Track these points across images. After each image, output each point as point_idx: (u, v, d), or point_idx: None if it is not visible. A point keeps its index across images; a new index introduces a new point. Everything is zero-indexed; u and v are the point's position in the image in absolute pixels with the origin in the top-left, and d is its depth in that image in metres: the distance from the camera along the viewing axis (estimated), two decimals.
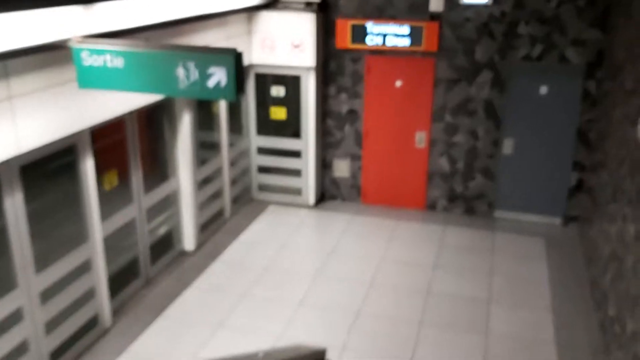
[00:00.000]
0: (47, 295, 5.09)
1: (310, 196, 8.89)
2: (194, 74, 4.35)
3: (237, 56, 4.24)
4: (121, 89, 4.63)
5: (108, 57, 4.51)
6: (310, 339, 5.77)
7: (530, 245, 7.86)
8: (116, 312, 6.10)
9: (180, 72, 4.37)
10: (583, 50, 7.63)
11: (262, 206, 8.90)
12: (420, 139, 8.57)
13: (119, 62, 4.52)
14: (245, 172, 8.88)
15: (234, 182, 8.49)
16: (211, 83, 4.33)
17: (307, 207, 8.90)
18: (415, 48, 8.10)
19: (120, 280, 6.25)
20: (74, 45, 4.57)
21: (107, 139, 5.92)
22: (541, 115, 8.09)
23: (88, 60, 4.57)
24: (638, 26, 5.63)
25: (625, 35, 6.11)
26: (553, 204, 8.40)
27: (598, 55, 7.58)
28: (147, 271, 6.72)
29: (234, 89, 4.30)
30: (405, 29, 8.03)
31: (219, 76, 4.29)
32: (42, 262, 5.00)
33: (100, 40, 4.61)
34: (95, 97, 5.15)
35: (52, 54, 4.62)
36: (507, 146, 8.34)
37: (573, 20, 7.56)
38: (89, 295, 5.62)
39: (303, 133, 8.60)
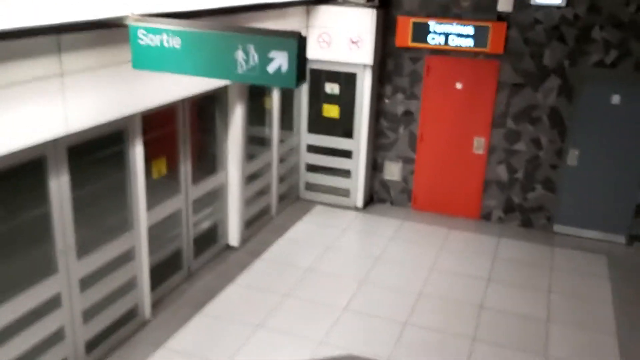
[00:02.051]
0: (87, 282, 4.91)
1: (359, 198, 8.56)
2: (254, 58, 4.09)
3: (301, 40, 3.96)
4: (176, 71, 4.41)
5: (165, 36, 4.30)
6: (355, 348, 5.45)
7: (592, 263, 7.34)
8: (156, 305, 5.91)
9: (240, 55, 4.12)
10: None
11: (308, 206, 8.62)
12: (479, 144, 8.14)
13: (175, 43, 4.30)
14: (294, 170, 8.63)
15: (281, 179, 8.24)
16: (271, 68, 4.06)
17: (355, 209, 8.58)
18: (479, 49, 7.69)
19: (162, 272, 6.06)
20: (131, 22, 4.38)
21: (158, 126, 5.75)
22: (611, 126, 7.56)
23: (144, 39, 4.37)
24: None
25: None
26: (617, 221, 7.84)
27: None
28: (189, 264, 6.52)
29: (295, 76, 4.02)
30: (469, 29, 7.63)
31: (280, 61, 4.02)
32: (84, 248, 4.83)
33: (158, 19, 4.41)
34: (149, 80, 4.96)
35: (106, 32, 4.45)
36: (572, 157, 7.83)
37: None
38: (130, 285, 5.44)
39: (355, 133, 8.29)
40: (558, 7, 7.34)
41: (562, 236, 8.04)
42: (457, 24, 7.65)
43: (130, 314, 5.50)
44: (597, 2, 7.16)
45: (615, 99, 7.46)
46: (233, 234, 7.24)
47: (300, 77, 4.08)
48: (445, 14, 7.79)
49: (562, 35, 7.43)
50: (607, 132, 7.59)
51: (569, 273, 7.06)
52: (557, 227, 8.14)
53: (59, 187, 4.45)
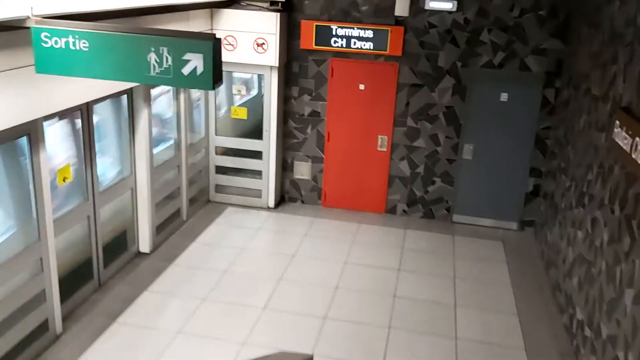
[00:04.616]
0: None
1: (270, 198, 8.66)
2: (167, 60, 4.08)
3: (216, 42, 4.00)
4: (84, 75, 4.29)
5: (71, 39, 4.16)
6: (277, 346, 5.54)
7: (490, 249, 7.92)
8: (67, 318, 5.66)
9: (152, 57, 4.09)
10: (543, 59, 7.79)
11: (219, 208, 8.60)
12: (382, 142, 8.51)
13: (83, 45, 4.17)
14: (203, 172, 8.56)
15: (191, 182, 8.15)
16: (186, 70, 4.07)
17: (267, 209, 8.67)
18: (379, 52, 8.05)
19: (71, 283, 5.82)
20: (32, 25, 4.20)
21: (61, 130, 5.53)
22: (501, 122, 8.19)
23: (48, 42, 4.20)
24: (605, 35, 5.76)
25: (592, 44, 6.24)
26: (510, 209, 8.51)
27: (557, 65, 7.76)
28: (99, 274, 6.30)
29: (211, 78, 4.05)
30: (369, 33, 7.96)
31: (195, 63, 4.03)
32: None
33: (62, 21, 4.26)
34: (53, 83, 4.76)
35: (6, 34, 4.23)
36: (467, 152, 8.40)
37: (534, 30, 7.71)
38: (39, 299, 5.18)
39: (265, 134, 8.37)
40: (450, 12, 7.85)
41: (461, 225, 8.60)
42: (358, 27, 7.96)
43: (40, 329, 5.24)
44: (485, 6, 7.74)
45: (504, 96, 8.10)
46: (144, 240, 7.07)
47: (216, 79, 4.12)
48: (346, 18, 8.08)
49: (454, 38, 7.95)
50: (498, 127, 8.21)
51: (470, 259, 7.58)
52: (456, 217, 8.70)
53: None
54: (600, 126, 5.56)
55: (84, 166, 5.82)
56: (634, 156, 4.23)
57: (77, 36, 4.15)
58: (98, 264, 6.26)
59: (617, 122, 4.75)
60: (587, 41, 6.46)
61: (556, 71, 7.79)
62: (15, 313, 4.91)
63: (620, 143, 4.59)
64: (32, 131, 4.83)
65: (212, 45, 3.97)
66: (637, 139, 4.21)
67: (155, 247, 7.22)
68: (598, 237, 5.16)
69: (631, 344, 4.10)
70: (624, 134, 4.55)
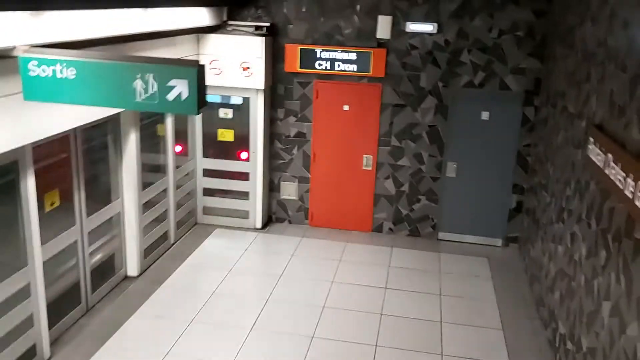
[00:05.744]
0: None
1: (258, 219, 8.73)
2: (153, 86, 4.19)
3: (200, 68, 4.13)
4: (72, 102, 4.40)
5: (58, 67, 4.28)
6: None
7: (475, 265, 8.02)
8: (55, 343, 5.67)
9: (138, 84, 4.20)
10: (522, 78, 7.99)
11: (207, 230, 8.66)
12: (367, 162, 8.64)
13: (70, 73, 4.29)
14: (191, 195, 8.63)
15: (179, 205, 8.21)
16: (171, 96, 4.19)
17: (254, 230, 8.73)
18: (363, 74, 8.22)
19: (59, 307, 5.84)
20: (20, 54, 4.30)
21: (49, 156, 5.59)
22: (483, 140, 8.36)
23: (36, 70, 4.32)
24: (578, 55, 5.95)
25: (567, 63, 6.44)
26: (494, 226, 8.64)
27: (536, 83, 7.96)
28: (87, 298, 6.32)
29: (195, 103, 4.17)
30: (352, 55, 8.14)
31: (180, 89, 4.15)
32: None
33: (49, 50, 4.36)
34: (40, 110, 4.85)
35: None
36: (450, 169, 8.55)
37: (513, 50, 7.92)
38: (27, 324, 5.20)
39: (251, 155, 8.47)
40: (430, 34, 8.05)
41: (446, 242, 8.71)
42: (341, 50, 8.14)
43: (28, 355, 5.25)
44: (465, 28, 7.95)
45: (485, 115, 8.28)
46: (132, 264, 7.11)
47: (201, 104, 4.24)
48: (330, 41, 8.26)
49: (435, 60, 8.15)
50: (480, 145, 8.38)
51: (455, 276, 7.68)
52: (442, 234, 8.81)
53: None
54: (576, 143, 5.72)
55: (72, 191, 5.88)
56: (607, 172, 4.37)
57: (64, 64, 4.27)
58: (86, 287, 6.28)
59: (591, 139, 4.91)
60: (563, 60, 6.66)
61: (535, 90, 7.99)
62: (3, 338, 4.93)
63: (594, 159, 4.74)
64: (19, 157, 4.90)
65: (197, 72, 4.10)
66: (610, 155, 4.36)
67: (143, 270, 7.25)
68: (577, 252, 5.29)
69: (609, 355, 4.20)
70: (597, 150, 4.70)
